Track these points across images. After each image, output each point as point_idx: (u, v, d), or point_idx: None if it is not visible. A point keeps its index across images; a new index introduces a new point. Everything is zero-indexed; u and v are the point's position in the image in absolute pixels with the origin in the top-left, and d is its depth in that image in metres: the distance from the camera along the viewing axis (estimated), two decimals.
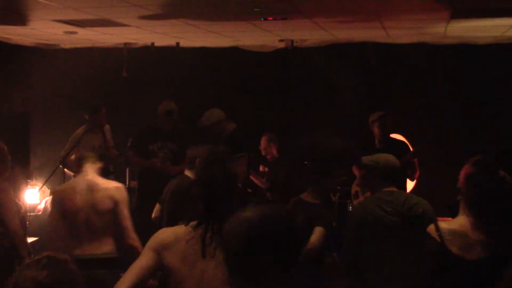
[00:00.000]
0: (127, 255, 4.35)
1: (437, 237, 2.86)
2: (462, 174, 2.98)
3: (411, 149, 6.19)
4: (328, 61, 7.55)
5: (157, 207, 5.18)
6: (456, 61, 7.24)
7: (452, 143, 6.91)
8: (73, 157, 6.75)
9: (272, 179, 5.76)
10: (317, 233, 4.03)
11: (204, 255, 2.53)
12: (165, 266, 2.55)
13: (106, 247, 4.50)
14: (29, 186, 6.94)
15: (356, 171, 6.14)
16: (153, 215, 5.21)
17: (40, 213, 7.40)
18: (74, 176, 6.68)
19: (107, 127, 7.02)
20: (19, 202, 5.13)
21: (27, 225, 6.04)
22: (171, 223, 4.53)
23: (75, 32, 6.96)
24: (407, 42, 7.29)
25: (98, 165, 4.71)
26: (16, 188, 5.35)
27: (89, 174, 4.60)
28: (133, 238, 4.52)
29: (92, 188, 4.50)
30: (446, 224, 2.92)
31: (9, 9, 5.58)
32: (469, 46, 7.16)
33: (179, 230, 2.63)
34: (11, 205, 4.75)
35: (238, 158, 6.02)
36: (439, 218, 5.45)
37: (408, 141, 7.03)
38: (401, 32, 6.83)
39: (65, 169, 6.73)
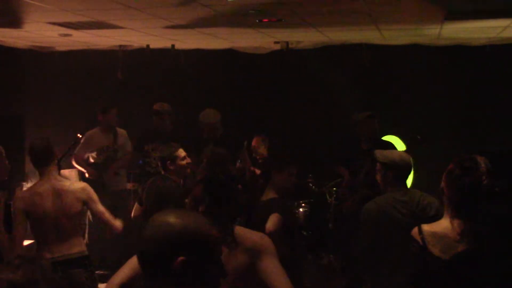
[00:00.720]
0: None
1: (419, 240, 2.86)
2: (444, 174, 2.97)
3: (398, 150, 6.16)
4: (323, 62, 7.57)
5: (137, 207, 5.24)
6: (451, 63, 7.26)
7: (447, 144, 6.92)
8: (86, 156, 6.92)
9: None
10: (272, 218, 4.09)
11: None
12: None
13: (77, 247, 4.47)
14: (24, 188, 6.92)
15: (341, 171, 6.17)
16: (132, 214, 5.28)
17: None
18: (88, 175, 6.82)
19: (123, 131, 7.14)
20: (13, 206, 5.10)
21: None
22: None
23: (70, 35, 6.95)
24: (401, 43, 7.31)
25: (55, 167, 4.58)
26: (11, 191, 5.33)
27: (52, 177, 4.44)
28: (116, 225, 4.56)
29: (59, 192, 4.38)
30: (428, 226, 2.90)
31: (3, 12, 5.57)
32: (463, 48, 7.18)
33: None
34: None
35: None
36: None
37: (403, 142, 7.07)
38: (396, 33, 6.85)
39: (77, 166, 7.07)
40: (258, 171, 6.95)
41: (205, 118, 6.30)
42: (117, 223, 4.55)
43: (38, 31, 6.76)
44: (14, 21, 6.08)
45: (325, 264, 6.89)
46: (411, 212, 3.84)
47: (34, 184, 4.63)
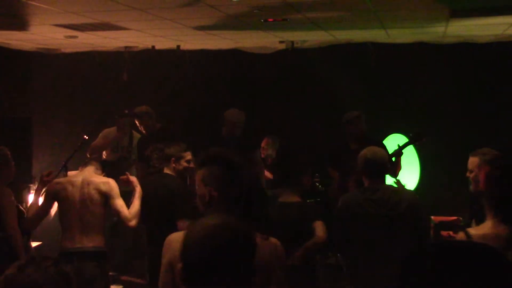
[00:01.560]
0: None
1: None
2: (482, 176, 2.95)
3: (386, 148, 6.12)
4: (329, 62, 7.56)
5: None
6: (457, 61, 7.23)
7: (453, 142, 6.90)
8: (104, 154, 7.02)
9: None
10: (320, 225, 4.09)
11: None
12: (176, 277, 2.50)
13: (96, 242, 4.65)
14: (31, 191, 6.94)
15: (332, 173, 6.15)
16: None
17: None
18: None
19: (138, 136, 7.14)
20: (21, 207, 5.14)
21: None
22: (163, 221, 4.57)
23: (76, 37, 6.97)
24: (407, 42, 7.29)
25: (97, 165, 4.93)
26: (19, 193, 5.36)
27: (87, 170, 4.84)
28: (132, 223, 4.67)
29: (86, 184, 4.71)
30: (474, 230, 2.88)
31: (10, 14, 5.59)
32: (469, 45, 7.15)
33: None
34: (12, 211, 4.77)
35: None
36: (441, 218, 5.48)
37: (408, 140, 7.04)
38: (401, 32, 6.83)
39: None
40: (268, 173, 6.95)
41: (229, 116, 6.39)
42: (133, 222, 4.66)
43: (44, 33, 6.79)
44: (20, 23, 6.11)
45: (332, 264, 6.88)
46: (378, 211, 3.87)
47: (73, 175, 4.98)
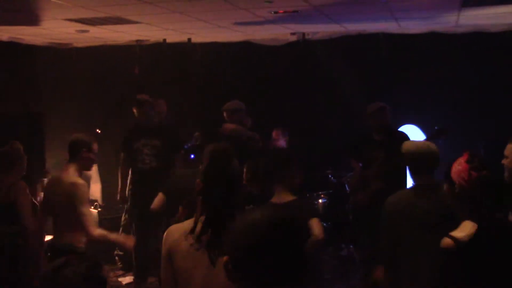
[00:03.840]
0: None
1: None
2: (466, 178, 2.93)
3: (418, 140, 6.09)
4: (340, 53, 7.53)
5: (161, 198, 5.03)
6: (469, 50, 7.17)
7: (466, 132, 6.86)
8: None
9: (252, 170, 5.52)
10: (316, 224, 3.81)
11: (210, 260, 2.46)
12: (175, 268, 2.51)
13: (66, 239, 4.44)
14: (44, 185, 7.00)
15: (354, 164, 6.12)
16: (153, 206, 5.06)
17: None
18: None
19: None
20: (35, 201, 5.18)
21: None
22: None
23: (87, 31, 7.00)
24: (418, 32, 7.25)
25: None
26: (33, 187, 5.41)
27: (65, 170, 4.54)
28: (92, 232, 4.40)
29: (58, 183, 4.48)
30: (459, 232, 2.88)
31: (22, 9, 5.62)
32: (481, 34, 7.09)
33: (190, 224, 2.55)
34: (27, 204, 4.82)
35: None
36: None
37: (422, 131, 7.01)
38: (413, 22, 6.79)
39: None
40: None
41: (226, 106, 6.24)
42: (96, 232, 4.40)
43: (56, 28, 6.82)
44: (32, 18, 6.14)
45: (345, 256, 6.88)
46: (430, 207, 3.68)
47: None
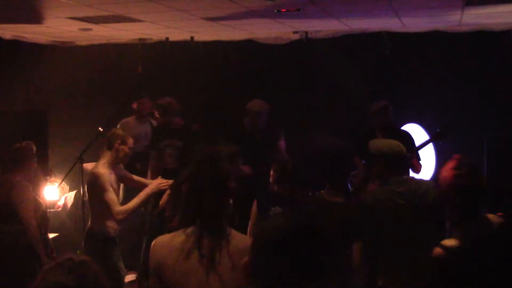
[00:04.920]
0: None
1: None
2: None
3: (412, 139, 6.08)
4: (343, 52, 7.52)
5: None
6: (473, 49, 7.16)
7: (470, 131, 6.85)
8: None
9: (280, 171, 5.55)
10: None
11: (201, 263, 2.45)
12: (164, 282, 2.49)
13: (97, 225, 4.88)
14: (48, 183, 7.01)
15: (358, 162, 6.13)
16: (161, 202, 5.06)
17: (59, 209, 7.48)
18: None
19: (155, 123, 7.11)
20: (39, 199, 5.20)
21: (49, 222, 6.11)
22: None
23: (90, 29, 7.01)
24: (422, 30, 7.23)
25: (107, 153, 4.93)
26: (36, 185, 5.43)
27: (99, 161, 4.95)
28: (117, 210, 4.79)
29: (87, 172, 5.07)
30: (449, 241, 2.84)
31: (25, 8, 5.62)
32: (485, 33, 7.07)
33: (176, 239, 2.52)
34: (30, 204, 4.84)
35: (231, 156, 6.08)
36: None
37: (425, 130, 7.01)
38: (416, 20, 6.77)
39: None
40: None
41: (251, 106, 6.29)
42: (120, 211, 4.75)
43: (58, 26, 6.83)
44: (35, 16, 6.15)
45: (355, 249, 6.85)
46: (408, 202, 3.78)
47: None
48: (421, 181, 4.10)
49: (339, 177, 3.93)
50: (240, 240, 2.56)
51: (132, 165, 6.15)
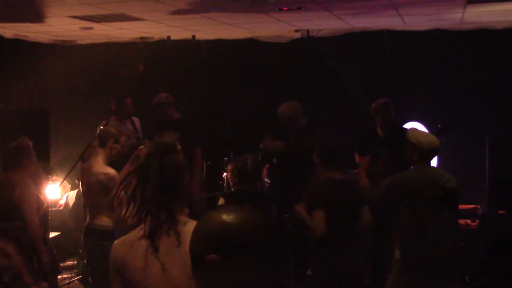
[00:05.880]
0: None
1: None
2: None
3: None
4: (344, 50, 7.51)
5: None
6: (474, 47, 7.14)
7: (470, 129, 6.84)
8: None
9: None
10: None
11: (156, 258, 2.42)
12: (125, 282, 2.47)
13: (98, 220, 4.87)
14: (50, 182, 7.01)
15: (358, 158, 6.15)
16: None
17: (61, 208, 7.49)
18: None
19: (136, 119, 7.11)
20: (41, 198, 5.20)
21: (49, 220, 6.12)
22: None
23: (91, 28, 7.00)
24: (423, 29, 7.22)
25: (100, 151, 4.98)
26: (38, 183, 5.43)
27: (92, 158, 5.04)
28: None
29: (86, 171, 4.96)
30: None
31: (26, 6, 5.63)
32: (487, 32, 7.05)
33: (133, 236, 2.50)
34: (32, 202, 4.86)
35: (193, 150, 6.33)
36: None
37: (426, 128, 6.99)
38: (417, 19, 6.76)
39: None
40: None
41: (281, 113, 6.15)
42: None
43: (60, 25, 6.83)
44: (37, 15, 6.15)
45: None
46: (435, 183, 4.25)
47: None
48: (443, 171, 4.54)
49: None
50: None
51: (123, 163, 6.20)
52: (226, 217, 1.63)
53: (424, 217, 4.23)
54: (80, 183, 5.20)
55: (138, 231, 2.49)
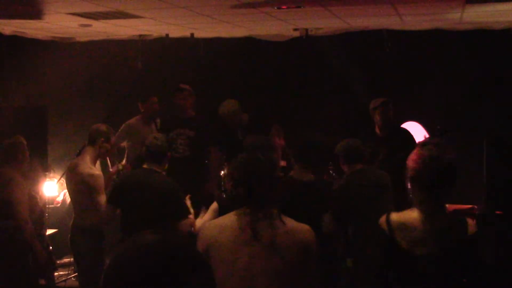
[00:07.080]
0: None
1: (386, 230, 2.75)
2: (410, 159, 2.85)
3: (412, 136, 6.09)
4: (343, 49, 7.51)
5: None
6: (473, 47, 7.15)
7: (468, 129, 6.85)
8: (122, 145, 7.03)
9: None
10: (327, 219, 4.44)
11: (255, 239, 2.57)
12: (214, 262, 2.56)
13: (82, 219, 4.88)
14: (47, 179, 7.00)
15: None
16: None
17: (58, 205, 7.47)
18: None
19: (157, 120, 7.13)
20: (37, 195, 5.20)
21: (46, 217, 6.11)
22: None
23: (90, 25, 6.99)
24: (422, 28, 7.22)
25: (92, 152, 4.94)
26: (35, 181, 5.43)
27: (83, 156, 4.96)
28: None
29: (73, 170, 4.91)
30: (397, 216, 2.78)
31: (24, 3, 5.61)
32: (485, 32, 7.06)
33: (227, 219, 2.66)
34: (23, 200, 4.84)
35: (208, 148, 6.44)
36: (455, 206, 5.56)
37: (424, 128, 7.00)
38: (416, 18, 6.76)
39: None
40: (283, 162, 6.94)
41: (221, 110, 6.42)
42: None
43: (58, 22, 6.82)
44: (35, 12, 6.14)
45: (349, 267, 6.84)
46: (369, 182, 4.65)
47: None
48: (376, 169, 4.96)
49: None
50: (295, 225, 2.68)
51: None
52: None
53: (365, 216, 4.45)
54: (65, 180, 5.15)
55: (231, 216, 2.66)
